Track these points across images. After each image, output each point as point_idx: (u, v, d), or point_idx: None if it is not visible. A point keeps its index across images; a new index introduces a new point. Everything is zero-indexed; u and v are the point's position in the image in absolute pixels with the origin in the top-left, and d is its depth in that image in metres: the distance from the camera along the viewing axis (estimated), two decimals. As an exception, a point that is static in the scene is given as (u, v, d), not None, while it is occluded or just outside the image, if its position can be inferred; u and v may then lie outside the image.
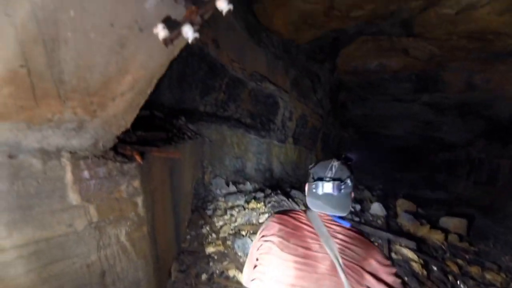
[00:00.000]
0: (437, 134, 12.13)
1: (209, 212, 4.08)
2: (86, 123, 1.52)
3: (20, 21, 1.01)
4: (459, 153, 11.36)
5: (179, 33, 1.18)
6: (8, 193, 1.37)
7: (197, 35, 1.16)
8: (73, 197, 1.63)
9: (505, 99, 8.14)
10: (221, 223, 3.79)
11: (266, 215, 3.84)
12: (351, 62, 8.85)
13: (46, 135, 1.42)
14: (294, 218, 1.11)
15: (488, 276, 4.14)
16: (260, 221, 3.75)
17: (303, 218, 1.11)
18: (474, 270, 4.26)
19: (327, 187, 1.08)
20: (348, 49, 8.07)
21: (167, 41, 1.18)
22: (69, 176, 1.57)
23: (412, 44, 6.69)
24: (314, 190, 1.10)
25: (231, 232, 3.60)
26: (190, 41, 1.18)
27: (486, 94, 8.32)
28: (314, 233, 1.05)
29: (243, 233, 3.51)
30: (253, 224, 3.72)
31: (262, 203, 4.19)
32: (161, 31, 1.15)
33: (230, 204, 4.24)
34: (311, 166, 1.19)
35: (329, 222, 1.08)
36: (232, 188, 4.70)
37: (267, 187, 5.26)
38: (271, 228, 1.10)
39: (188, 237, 3.56)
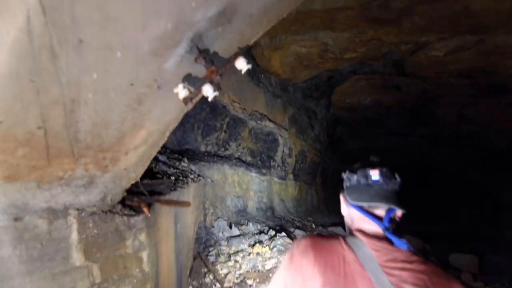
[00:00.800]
0: (435, 166, 12.19)
1: (211, 258, 3.86)
2: (96, 178, 1.47)
3: (44, 85, 1.01)
4: (459, 184, 11.33)
5: (199, 92, 1.19)
6: (9, 259, 1.27)
7: (217, 93, 1.18)
8: (77, 258, 1.52)
9: (498, 131, 8.34)
10: (225, 270, 3.57)
11: (272, 261, 3.65)
12: (345, 99, 9.13)
13: (55, 194, 1.36)
14: (340, 260, 0.80)
15: (511, 321, 3.88)
16: (267, 267, 3.55)
17: (350, 255, 0.81)
18: (495, 314, 4.00)
19: (374, 174, 0.85)
20: (342, 86, 8.37)
21: (187, 100, 1.19)
22: (74, 235, 1.48)
23: (404, 82, 6.97)
24: (356, 182, 0.88)
25: (236, 281, 3.37)
26: (210, 99, 1.18)
27: (479, 126, 8.53)
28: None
29: (249, 282, 3.29)
30: (259, 271, 3.51)
31: (267, 247, 4.00)
32: (181, 91, 1.17)
33: (233, 248, 4.04)
34: (344, 173, 0.96)
35: (388, 263, 0.79)
36: (235, 231, 4.52)
37: (271, 228, 5.08)
38: (311, 275, 0.80)
39: (190, 287, 3.32)
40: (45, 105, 1.06)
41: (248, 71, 1.20)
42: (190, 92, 1.17)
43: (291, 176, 7.79)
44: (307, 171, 8.75)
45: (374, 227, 0.86)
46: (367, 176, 0.87)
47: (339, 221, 6.84)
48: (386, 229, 0.83)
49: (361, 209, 0.88)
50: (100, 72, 1.09)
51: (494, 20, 3.93)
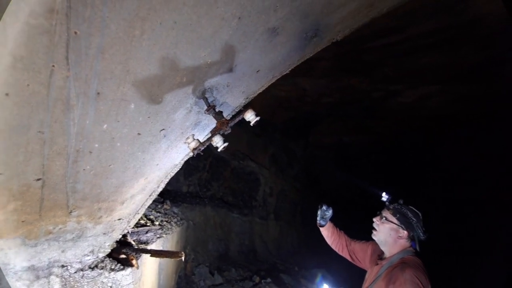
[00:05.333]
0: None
1: (192, 312, 3.54)
2: (87, 231, 1.35)
3: (51, 136, 0.97)
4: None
5: (209, 143, 1.20)
6: (-22, 332, 1.08)
7: (226, 144, 1.19)
8: (55, 324, 1.33)
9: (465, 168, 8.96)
10: (208, 326, 3.27)
11: (260, 312, 3.41)
12: (322, 139, 9.53)
13: (40, 250, 1.22)
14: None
15: None
16: (254, 320, 3.29)
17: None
18: None
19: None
20: (319, 127, 8.79)
21: (196, 151, 1.19)
22: (55, 298, 1.31)
23: (376, 124, 7.47)
24: (423, 237, 1.59)
25: (221, 337, 3.08)
26: (219, 150, 1.19)
27: (449, 165, 9.14)
28: None
29: (236, 338, 3.02)
30: (246, 325, 3.24)
31: (253, 296, 3.76)
32: (191, 142, 1.17)
33: (216, 299, 3.75)
34: (412, 217, 1.59)
35: None
36: (218, 278, 4.23)
37: (254, 273, 4.83)
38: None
39: None
40: (49, 156, 1.01)
41: (256, 122, 1.25)
42: (200, 143, 1.17)
43: (272, 215, 7.66)
44: (287, 210, 8.67)
45: None
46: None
47: (321, 262, 6.70)
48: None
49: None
50: (111, 122, 1.07)
51: (455, 72, 4.48)
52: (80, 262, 1.42)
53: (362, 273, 1.89)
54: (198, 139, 1.18)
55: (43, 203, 1.11)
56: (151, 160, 1.36)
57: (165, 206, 3.67)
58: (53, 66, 0.82)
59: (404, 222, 1.58)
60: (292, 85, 6.25)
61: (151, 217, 3.01)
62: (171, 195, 4.37)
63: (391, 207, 1.67)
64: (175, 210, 3.88)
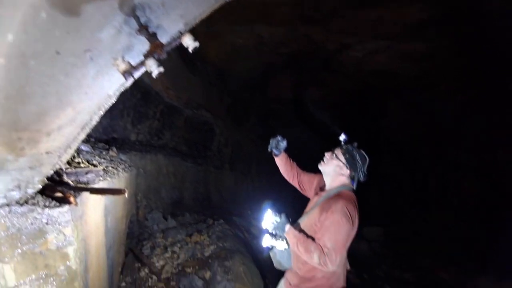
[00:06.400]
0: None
1: (146, 252, 3.67)
2: (8, 163, 1.24)
3: None
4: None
5: (142, 66, 1.11)
6: None
7: (161, 69, 1.12)
8: (-18, 259, 1.27)
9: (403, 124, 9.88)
10: (161, 262, 3.44)
11: (212, 248, 3.67)
12: (278, 91, 9.61)
13: (-50, 182, 1.10)
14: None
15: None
16: (206, 254, 3.55)
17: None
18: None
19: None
20: (276, 80, 8.78)
21: (127, 74, 1.10)
22: (-22, 232, 1.23)
23: (330, 78, 7.70)
24: (363, 178, 1.77)
25: (174, 271, 3.29)
26: (154, 75, 1.12)
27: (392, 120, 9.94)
28: None
29: (189, 270, 3.25)
30: (198, 259, 3.49)
31: (206, 235, 4.00)
32: (121, 64, 1.07)
33: (170, 240, 3.91)
34: (359, 160, 1.73)
35: None
36: (171, 222, 4.36)
37: (208, 217, 5.07)
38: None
39: (123, 284, 3.10)
40: None
41: (196, 49, 1.18)
42: (132, 66, 1.08)
43: (227, 165, 7.87)
44: (242, 161, 8.96)
45: None
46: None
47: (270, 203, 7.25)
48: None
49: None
50: (18, 34, 0.91)
51: (401, 28, 4.66)
52: (5, 197, 1.32)
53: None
54: (129, 61, 1.09)
55: None
56: (77, 86, 1.23)
57: (111, 153, 3.50)
58: None
59: (351, 163, 1.73)
60: (249, 33, 5.98)
61: (94, 162, 2.86)
62: (118, 143, 4.17)
63: (344, 147, 1.79)
64: (123, 157, 3.74)
